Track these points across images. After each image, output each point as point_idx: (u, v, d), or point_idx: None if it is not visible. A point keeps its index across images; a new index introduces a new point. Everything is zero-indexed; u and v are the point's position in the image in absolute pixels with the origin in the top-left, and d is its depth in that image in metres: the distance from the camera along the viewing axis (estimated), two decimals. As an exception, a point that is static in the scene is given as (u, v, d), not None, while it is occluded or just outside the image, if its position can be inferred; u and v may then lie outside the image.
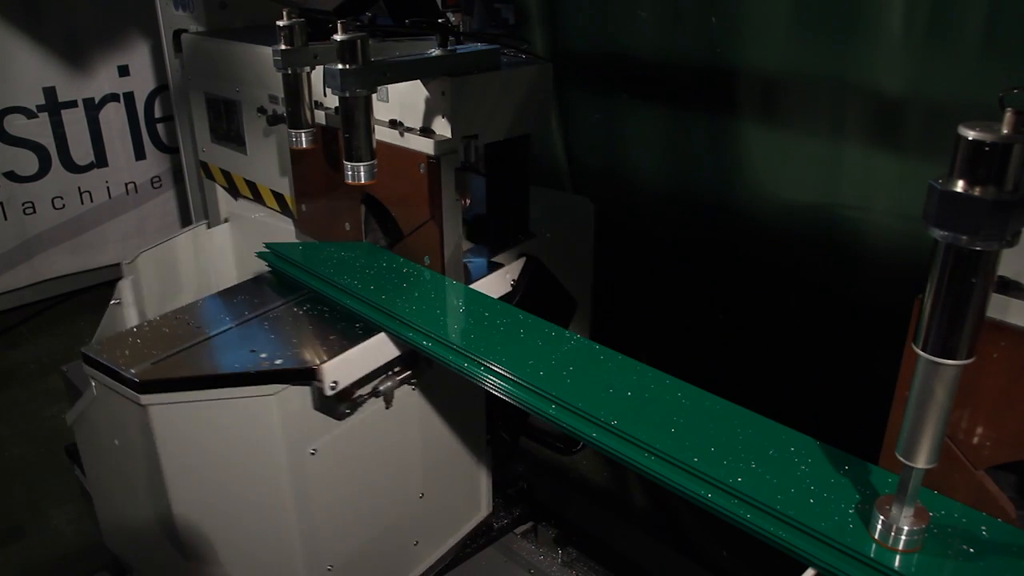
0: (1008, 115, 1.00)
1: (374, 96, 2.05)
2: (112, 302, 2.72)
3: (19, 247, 4.76)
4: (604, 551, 2.79)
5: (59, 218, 4.86)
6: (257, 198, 3.17)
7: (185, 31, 3.39)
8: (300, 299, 2.28)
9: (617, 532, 3.01)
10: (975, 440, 1.41)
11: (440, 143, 2.22)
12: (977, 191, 1.01)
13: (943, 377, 1.14)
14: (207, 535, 2.01)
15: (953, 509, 1.37)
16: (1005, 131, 0.99)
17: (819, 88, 2.52)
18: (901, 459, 1.22)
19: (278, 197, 3.04)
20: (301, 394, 1.99)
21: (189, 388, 1.89)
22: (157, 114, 5.02)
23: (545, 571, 2.68)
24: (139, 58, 4.85)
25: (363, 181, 2.10)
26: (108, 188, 5.00)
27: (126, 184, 5.06)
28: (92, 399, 2.00)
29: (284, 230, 3.02)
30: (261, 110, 2.92)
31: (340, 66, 1.95)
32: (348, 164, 2.08)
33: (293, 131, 2.44)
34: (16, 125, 4.58)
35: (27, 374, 4.27)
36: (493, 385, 1.82)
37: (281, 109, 2.76)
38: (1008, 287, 1.34)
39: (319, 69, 2.36)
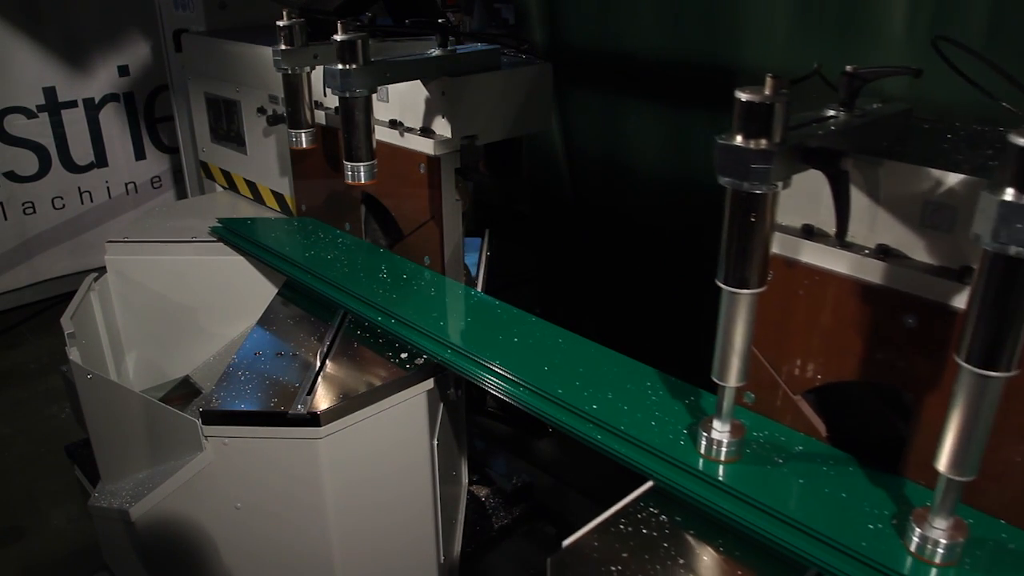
0: (768, 80, 1.17)
1: (374, 96, 2.05)
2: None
3: (19, 247, 4.76)
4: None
5: (59, 218, 4.86)
6: (257, 198, 3.17)
7: (185, 31, 3.39)
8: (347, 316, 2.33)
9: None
10: (791, 369, 1.56)
11: (440, 143, 2.22)
12: (751, 144, 1.17)
13: (740, 305, 1.31)
14: (366, 554, 2.13)
15: (775, 429, 1.59)
16: (767, 93, 1.17)
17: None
18: (715, 380, 1.40)
19: (278, 197, 3.04)
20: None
21: (360, 406, 1.95)
22: (157, 114, 5.02)
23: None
24: (139, 58, 4.85)
25: (363, 181, 2.10)
26: (108, 188, 4.99)
27: (126, 184, 5.05)
28: (208, 462, 1.93)
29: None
30: (261, 110, 2.92)
31: (340, 66, 1.95)
32: (348, 164, 2.08)
33: (293, 131, 2.43)
34: (16, 125, 4.57)
35: (27, 374, 4.27)
36: (396, 334, 2.06)
37: (281, 109, 2.76)
38: (812, 233, 1.48)
39: (319, 69, 2.36)
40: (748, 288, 1.29)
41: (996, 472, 1.31)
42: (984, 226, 0.99)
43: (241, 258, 2.66)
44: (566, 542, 1.45)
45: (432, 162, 2.25)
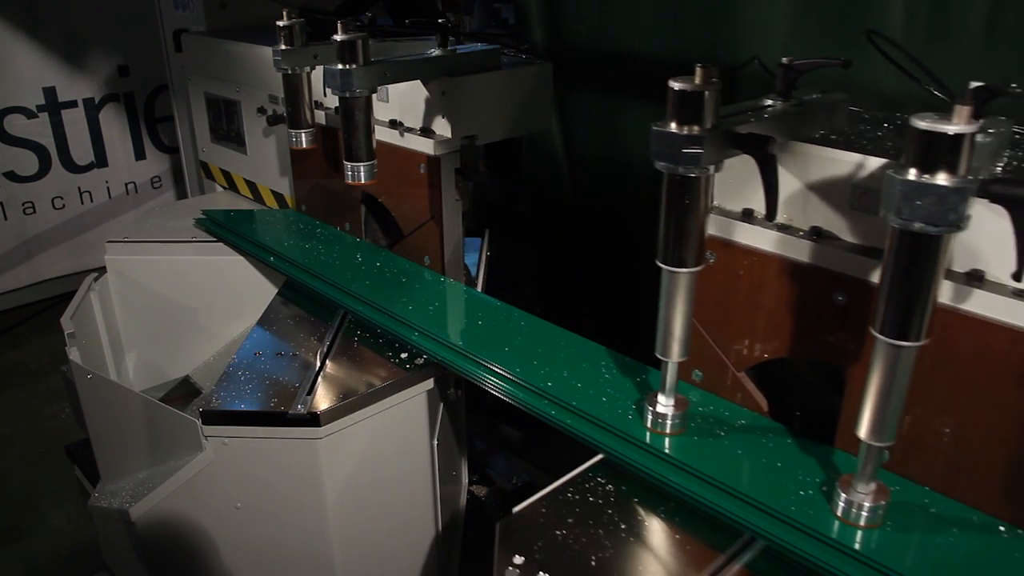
0: (699, 69, 1.24)
1: (374, 96, 2.05)
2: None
3: (19, 247, 4.76)
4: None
5: (59, 218, 4.86)
6: (257, 198, 3.17)
7: (185, 31, 3.39)
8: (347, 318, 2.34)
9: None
10: (735, 347, 1.62)
11: (440, 143, 2.22)
12: (684, 129, 1.25)
13: (679, 283, 1.39)
14: (366, 554, 2.12)
15: (720, 405, 1.66)
16: (698, 82, 1.24)
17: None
18: (658, 356, 1.46)
19: (278, 197, 3.04)
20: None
21: (360, 406, 1.95)
22: (157, 114, 5.02)
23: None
24: (139, 58, 4.85)
25: (363, 181, 2.10)
26: (108, 188, 5.00)
27: (126, 184, 5.06)
28: (208, 462, 1.93)
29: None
30: (261, 110, 2.92)
31: (340, 66, 1.95)
32: (348, 164, 2.08)
33: (293, 131, 2.44)
34: (16, 125, 4.57)
35: (27, 374, 4.27)
36: (362, 315, 2.14)
37: (281, 109, 2.76)
38: (752, 216, 1.54)
39: (319, 69, 2.36)
40: (685, 267, 1.37)
41: (922, 443, 1.37)
42: (890, 204, 1.05)
43: (241, 258, 2.67)
44: (516, 508, 1.50)
45: (432, 162, 2.25)
